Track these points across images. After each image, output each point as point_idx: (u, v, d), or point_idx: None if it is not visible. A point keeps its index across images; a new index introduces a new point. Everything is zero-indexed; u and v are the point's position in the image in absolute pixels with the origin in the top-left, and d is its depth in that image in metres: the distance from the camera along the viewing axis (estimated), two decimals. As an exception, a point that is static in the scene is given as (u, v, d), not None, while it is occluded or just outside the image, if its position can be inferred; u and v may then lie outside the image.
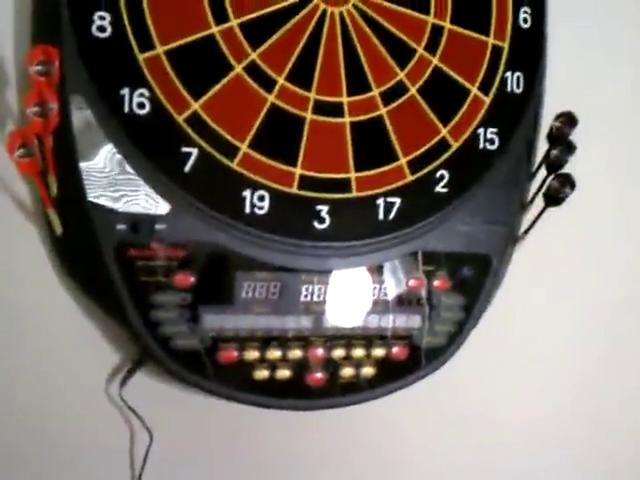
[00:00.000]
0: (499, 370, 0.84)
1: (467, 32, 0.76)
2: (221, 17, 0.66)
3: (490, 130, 0.77)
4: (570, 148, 0.78)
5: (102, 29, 0.63)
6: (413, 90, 0.73)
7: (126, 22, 0.63)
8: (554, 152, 0.78)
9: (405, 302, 0.74)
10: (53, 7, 0.62)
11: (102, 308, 0.67)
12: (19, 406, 0.67)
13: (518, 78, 0.78)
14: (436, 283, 0.76)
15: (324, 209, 0.70)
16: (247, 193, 0.67)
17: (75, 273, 0.67)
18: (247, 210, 0.67)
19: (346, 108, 0.71)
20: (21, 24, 0.65)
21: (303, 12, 0.69)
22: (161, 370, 0.67)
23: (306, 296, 0.70)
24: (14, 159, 0.57)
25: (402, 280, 0.74)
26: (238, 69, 0.67)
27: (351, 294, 0.72)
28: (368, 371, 0.73)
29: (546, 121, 0.79)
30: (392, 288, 0.74)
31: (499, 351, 0.84)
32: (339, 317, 0.72)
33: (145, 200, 0.64)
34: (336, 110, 0.71)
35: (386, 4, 0.72)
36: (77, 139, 0.62)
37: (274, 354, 0.69)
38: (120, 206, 0.64)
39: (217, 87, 0.66)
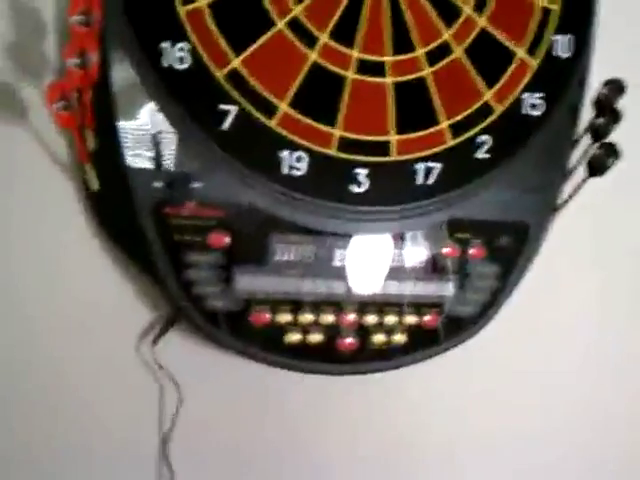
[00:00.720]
0: (534, 343, 0.83)
1: (517, -7, 0.73)
2: (264, -31, 0.64)
3: (535, 95, 0.74)
4: (616, 117, 0.75)
5: (144, -20, 0.61)
6: (458, 51, 0.71)
7: (167, -28, 0.61)
8: (599, 120, 0.76)
9: (439, 269, 0.73)
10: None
11: (136, 265, 0.66)
12: (51, 357, 0.67)
13: (568, 41, 0.75)
14: (471, 251, 0.74)
15: (362, 172, 0.68)
16: (285, 154, 0.66)
17: (110, 229, 0.66)
18: (285, 171, 0.66)
19: (389, 68, 0.69)
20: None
21: (349, -33, 0.67)
22: (193, 329, 0.67)
23: (340, 260, 0.69)
24: (53, 112, 0.56)
25: (436, 247, 0.73)
26: (280, 25, 0.65)
27: (384, 260, 0.71)
28: (400, 338, 0.72)
29: (593, 88, 0.77)
30: (426, 255, 0.72)
31: (534, 323, 0.82)
32: (371, 283, 0.70)
33: (182, 158, 0.63)
34: (379, 69, 0.68)
35: (434, -38, 0.69)
36: (116, 94, 0.61)
37: (306, 318, 0.69)
38: (157, 163, 0.63)
39: (258, 43, 0.64)
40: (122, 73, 0.61)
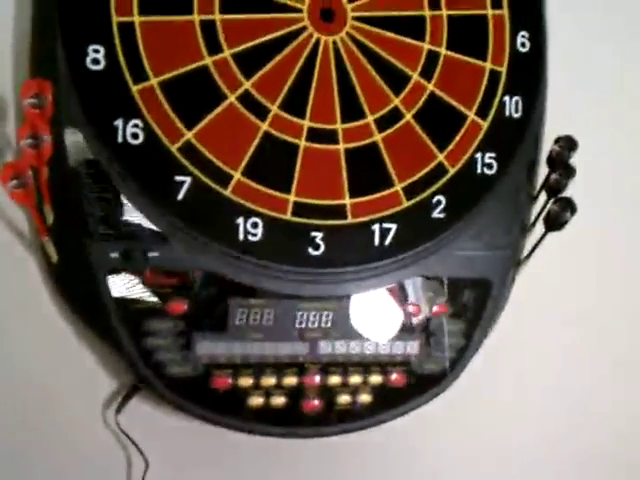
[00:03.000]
0: (501, 397, 0.83)
1: (463, 57, 0.76)
2: (214, 48, 0.67)
3: (488, 155, 0.76)
4: (570, 172, 0.77)
5: (96, 61, 0.64)
6: (408, 116, 0.74)
7: (120, 54, 0.65)
8: (554, 176, 0.78)
9: (403, 328, 0.74)
10: (49, 41, 0.64)
11: (97, 334, 0.67)
12: (14, 433, 0.68)
13: (517, 102, 0.77)
14: (435, 309, 0.75)
15: (319, 235, 0.70)
16: (240, 220, 0.68)
17: (70, 300, 0.68)
18: (241, 237, 0.68)
19: (340, 135, 0.71)
20: (19, 57, 0.67)
21: (296, 41, 0.70)
22: (156, 397, 0.68)
23: (301, 322, 0.70)
24: (8, 190, 0.59)
25: (400, 306, 0.74)
26: (232, 98, 0.68)
27: (347, 320, 0.72)
28: (365, 398, 0.73)
29: (547, 144, 0.79)
30: (389, 314, 0.73)
31: (501, 377, 0.83)
32: (335, 343, 0.71)
33: (138, 228, 0.65)
34: (330, 137, 0.71)
35: (380, 32, 0.73)
36: (71, 170, 0.64)
37: (268, 381, 0.69)
38: (113, 234, 0.65)
39: (211, 116, 0.67)
40: (76, 148, 0.63)
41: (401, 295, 0.74)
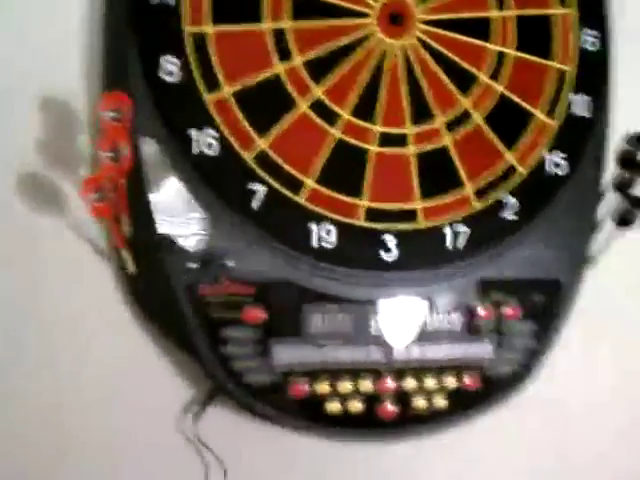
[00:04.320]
0: (574, 399, 0.82)
1: (531, 57, 0.75)
2: (285, 56, 0.67)
3: (557, 154, 0.75)
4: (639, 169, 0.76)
5: (170, 73, 0.64)
6: (478, 118, 0.73)
7: (193, 65, 0.65)
8: (623, 174, 0.77)
9: (475, 331, 0.73)
10: (122, 52, 0.65)
11: (175, 344, 0.68)
12: (95, 442, 0.69)
13: (585, 101, 0.76)
14: (506, 311, 0.75)
15: (391, 240, 0.70)
16: (314, 227, 0.68)
17: (148, 310, 0.68)
18: (314, 244, 0.68)
19: (411, 139, 0.71)
20: (91, 70, 0.67)
21: (365, 46, 0.70)
22: (234, 404, 0.68)
23: (376, 327, 0.70)
24: (89, 203, 0.59)
25: (472, 309, 0.73)
26: (303, 106, 0.68)
27: (420, 324, 0.72)
28: (441, 402, 0.72)
29: (615, 142, 0.78)
30: (462, 317, 0.73)
31: (574, 378, 0.82)
32: (409, 347, 0.71)
33: (215, 238, 0.66)
34: (401, 141, 0.71)
35: (448, 34, 0.72)
36: (149, 181, 0.64)
37: (345, 387, 0.69)
38: (190, 244, 0.65)
39: (283, 125, 0.67)
40: (153, 160, 0.64)
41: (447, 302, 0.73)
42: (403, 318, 0.71)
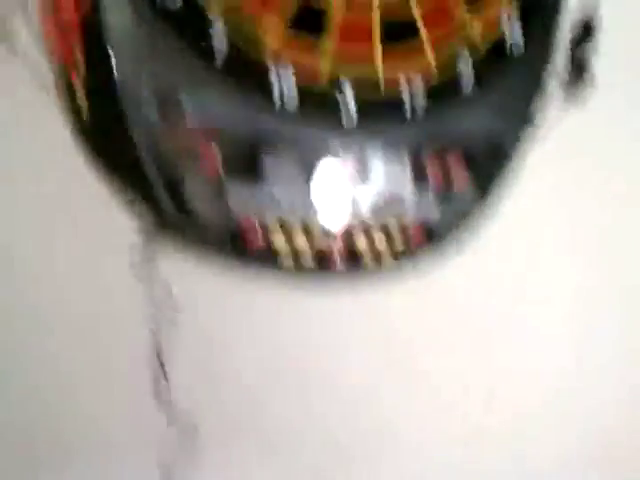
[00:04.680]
0: (512, 254, 0.88)
1: None
2: None
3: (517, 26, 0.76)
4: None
5: None
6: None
7: None
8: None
9: (424, 189, 0.76)
10: None
11: (128, 184, 0.67)
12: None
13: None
14: (453, 175, 0.77)
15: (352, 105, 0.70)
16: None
17: (103, 154, 0.67)
18: (277, 103, 0.67)
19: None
20: None
21: None
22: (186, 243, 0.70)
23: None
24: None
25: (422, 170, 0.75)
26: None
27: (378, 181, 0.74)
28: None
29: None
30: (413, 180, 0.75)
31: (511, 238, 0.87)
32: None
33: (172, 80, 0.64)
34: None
35: None
36: (107, 24, 0.61)
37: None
38: (150, 86, 0.63)
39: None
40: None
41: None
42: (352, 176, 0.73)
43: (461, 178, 0.77)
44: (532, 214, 0.87)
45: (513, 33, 0.76)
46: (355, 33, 0.70)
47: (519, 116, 0.79)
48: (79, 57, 0.61)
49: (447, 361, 0.89)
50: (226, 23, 0.65)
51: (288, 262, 0.71)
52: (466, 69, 0.74)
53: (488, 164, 0.79)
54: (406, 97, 0.72)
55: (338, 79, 0.70)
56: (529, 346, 0.93)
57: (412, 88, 0.72)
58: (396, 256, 0.75)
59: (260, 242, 0.70)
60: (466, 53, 0.74)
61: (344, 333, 0.83)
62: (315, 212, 0.72)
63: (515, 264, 0.89)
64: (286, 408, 0.84)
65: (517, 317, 0.91)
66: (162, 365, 0.75)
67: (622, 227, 0.93)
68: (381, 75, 0.71)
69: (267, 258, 0.70)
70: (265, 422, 0.84)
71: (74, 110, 0.66)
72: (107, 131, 0.66)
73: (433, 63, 0.73)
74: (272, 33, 0.67)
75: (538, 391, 0.94)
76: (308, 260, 0.71)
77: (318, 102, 0.69)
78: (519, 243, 0.88)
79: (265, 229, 0.70)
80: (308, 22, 0.68)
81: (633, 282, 0.95)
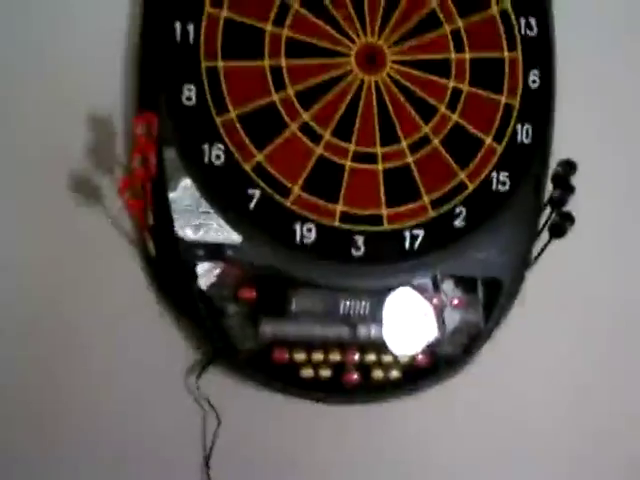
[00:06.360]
0: (510, 378, 0.98)
1: (483, 92, 0.91)
2: (281, 87, 0.84)
3: (502, 174, 0.92)
4: (570, 190, 0.92)
5: (189, 98, 0.81)
6: (436, 141, 0.89)
7: (207, 92, 0.82)
8: (556, 193, 0.93)
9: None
10: (153, 80, 0.82)
11: (183, 314, 0.85)
12: (115, 397, 0.85)
13: (527, 130, 0.93)
14: (454, 302, 0.91)
15: (360, 239, 0.86)
16: (298, 226, 0.84)
17: (164, 286, 0.85)
18: (298, 240, 0.84)
19: (379, 157, 0.87)
20: (128, 92, 0.85)
21: (346, 81, 0.87)
22: (228, 366, 0.85)
23: (344, 309, 0.86)
24: (125, 200, 0.76)
25: (425, 299, 0.90)
26: (293, 128, 0.84)
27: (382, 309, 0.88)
28: (395, 374, 0.89)
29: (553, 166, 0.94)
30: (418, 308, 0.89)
31: (509, 362, 0.97)
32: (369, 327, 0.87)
33: (218, 231, 0.82)
34: (371, 159, 0.87)
35: (414, 72, 0.89)
36: (168, 183, 0.81)
37: (317, 356, 0.86)
38: (199, 235, 0.81)
39: (277, 142, 0.84)
40: (172, 166, 0.81)
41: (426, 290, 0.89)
42: (366, 304, 0.87)
43: (459, 305, 0.91)
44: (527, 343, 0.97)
45: (499, 178, 0.92)
46: (363, 180, 0.87)
47: (511, 250, 0.92)
48: (149, 215, 0.80)
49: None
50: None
51: (308, 372, 0.85)
52: (457, 206, 0.90)
53: (484, 293, 0.92)
54: (406, 232, 0.88)
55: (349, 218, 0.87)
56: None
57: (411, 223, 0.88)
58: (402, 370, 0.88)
59: (285, 358, 0.84)
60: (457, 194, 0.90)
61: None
62: (333, 332, 0.86)
63: (512, 392, 0.98)
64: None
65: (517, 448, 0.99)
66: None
67: (617, 354, 1.02)
68: (385, 213, 0.88)
69: (290, 370, 0.85)
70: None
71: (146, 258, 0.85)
72: (168, 267, 0.84)
73: (428, 203, 0.89)
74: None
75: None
76: (325, 370, 0.85)
77: (332, 237, 0.86)
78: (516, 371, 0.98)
79: (290, 349, 0.85)
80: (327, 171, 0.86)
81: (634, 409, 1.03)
